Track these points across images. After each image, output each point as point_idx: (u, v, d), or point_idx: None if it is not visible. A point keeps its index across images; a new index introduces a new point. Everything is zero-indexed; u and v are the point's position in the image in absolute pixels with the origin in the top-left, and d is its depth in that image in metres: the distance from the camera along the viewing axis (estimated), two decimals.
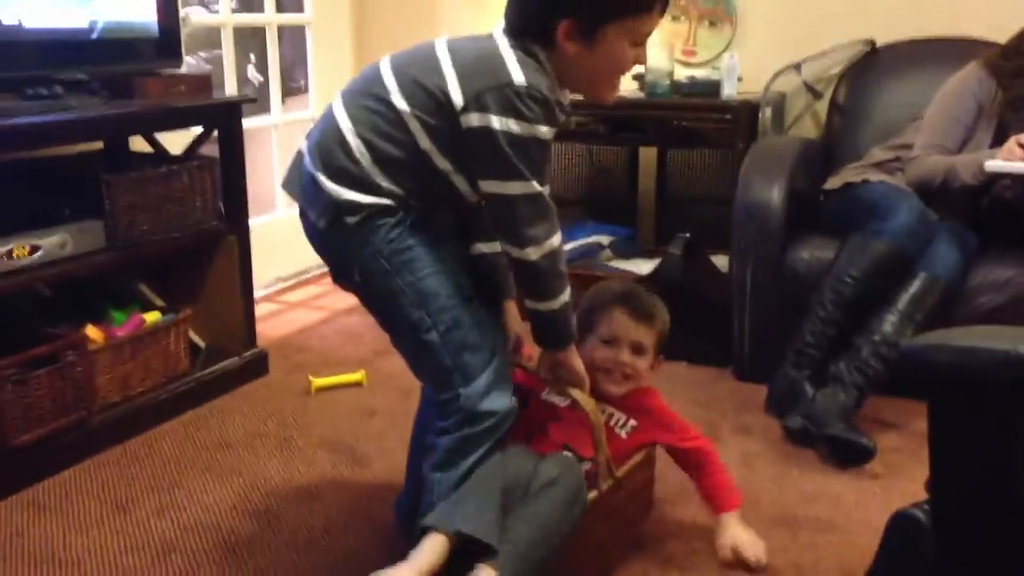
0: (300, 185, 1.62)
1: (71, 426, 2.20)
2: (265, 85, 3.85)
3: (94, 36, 2.35)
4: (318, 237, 1.61)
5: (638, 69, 3.13)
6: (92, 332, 2.30)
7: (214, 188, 2.55)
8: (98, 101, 2.29)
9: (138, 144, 2.71)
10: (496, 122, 1.48)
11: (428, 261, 1.56)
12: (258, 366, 2.74)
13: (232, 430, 2.41)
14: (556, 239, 1.57)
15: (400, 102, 1.53)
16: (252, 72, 4.35)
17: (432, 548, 1.52)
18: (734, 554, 1.79)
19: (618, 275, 3.06)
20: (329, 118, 1.59)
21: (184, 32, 2.60)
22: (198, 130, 2.68)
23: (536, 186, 1.52)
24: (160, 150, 2.69)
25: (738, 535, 1.80)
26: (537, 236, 1.54)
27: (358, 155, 1.53)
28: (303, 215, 1.63)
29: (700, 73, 3.25)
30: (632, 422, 1.84)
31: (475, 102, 1.49)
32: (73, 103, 2.22)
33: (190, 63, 2.65)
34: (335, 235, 1.56)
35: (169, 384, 2.48)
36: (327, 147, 1.56)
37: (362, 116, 1.55)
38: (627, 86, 3.20)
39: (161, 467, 2.22)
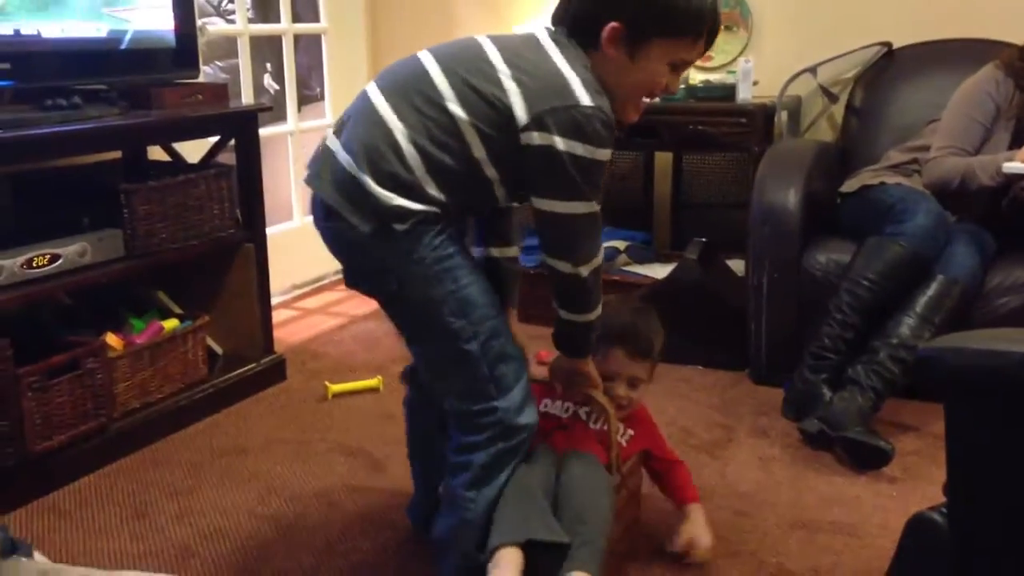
0: (335, 185, 1.52)
1: (91, 433, 2.22)
2: (281, 93, 3.87)
3: (112, 47, 2.37)
4: (355, 241, 1.51)
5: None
6: (111, 340, 2.32)
7: (231, 196, 2.57)
8: (116, 111, 2.31)
9: (156, 153, 2.73)
10: (561, 143, 1.45)
11: (468, 270, 1.54)
12: (275, 372, 2.76)
13: (250, 436, 2.43)
14: (602, 254, 1.59)
15: (457, 109, 1.48)
16: (268, 81, 4.38)
17: (512, 562, 1.50)
18: (688, 545, 1.80)
19: (636, 280, 3.06)
20: (372, 116, 1.51)
21: (201, 42, 2.63)
22: (215, 139, 2.70)
23: (595, 206, 1.52)
24: (178, 159, 2.71)
25: (701, 530, 1.81)
26: (590, 253, 1.55)
27: (411, 161, 1.47)
28: (333, 217, 1.53)
29: (715, 77, 3.25)
30: (630, 431, 1.88)
31: (539, 121, 1.45)
32: (92, 113, 2.24)
33: (207, 72, 2.67)
34: (378, 241, 1.49)
35: (187, 391, 2.50)
36: (376, 149, 1.48)
37: (415, 120, 1.48)
38: None
39: (180, 473, 2.23)
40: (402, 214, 1.47)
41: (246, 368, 2.67)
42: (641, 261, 3.24)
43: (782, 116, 3.11)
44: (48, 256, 2.14)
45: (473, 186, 1.53)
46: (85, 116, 2.21)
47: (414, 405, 1.90)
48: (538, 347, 2.55)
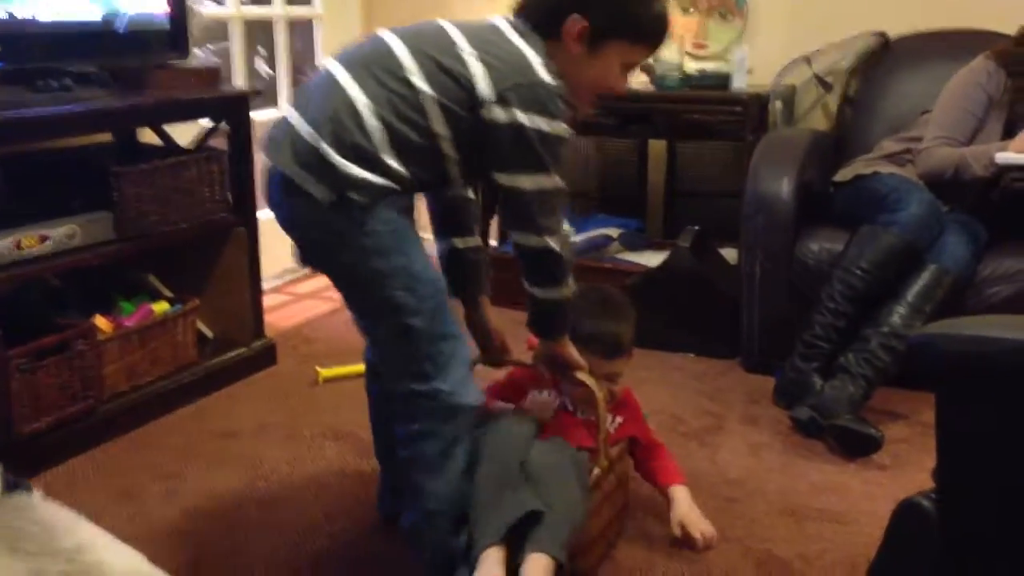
0: (296, 157, 1.51)
1: (79, 415, 2.21)
2: (274, 78, 3.85)
3: (104, 29, 2.36)
4: (313, 212, 1.51)
5: (648, 61, 3.14)
6: (101, 322, 2.31)
7: (223, 180, 2.55)
8: (107, 93, 2.30)
9: (147, 136, 2.72)
10: (525, 118, 1.49)
11: (417, 246, 1.56)
12: (266, 357, 2.75)
13: (239, 420, 2.42)
14: (567, 226, 1.61)
15: (421, 83, 1.50)
16: (261, 65, 4.36)
17: (494, 559, 1.51)
18: (682, 530, 1.82)
19: (629, 267, 3.05)
20: (335, 89, 1.52)
21: (192, 25, 2.61)
22: (207, 122, 2.68)
23: (558, 179, 1.55)
24: (169, 142, 2.69)
25: (687, 513, 1.83)
26: (554, 226, 1.56)
27: (373, 133, 1.49)
28: (293, 191, 1.52)
29: (710, 66, 3.24)
30: (619, 419, 1.89)
31: (503, 98, 1.49)
32: (83, 95, 2.22)
33: (199, 56, 2.65)
34: (336, 212, 1.50)
35: (177, 374, 2.49)
36: (339, 121, 1.49)
37: (378, 92, 1.50)
38: (637, 79, 3.19)
39: (168, 455, 2.22)
40: (361, 186, 1.49)
41: (236, 352, 2.66)
42: (634, 249, 3.24)
43: (776, 105, 3.10)
44: (37, 237, 2.12)
45: (431, 162, 1.55)
46: (76, 98, 2.20)
47: (378, 399, 1.89)
48: (527, 332, 2.55)
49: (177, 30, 2.52)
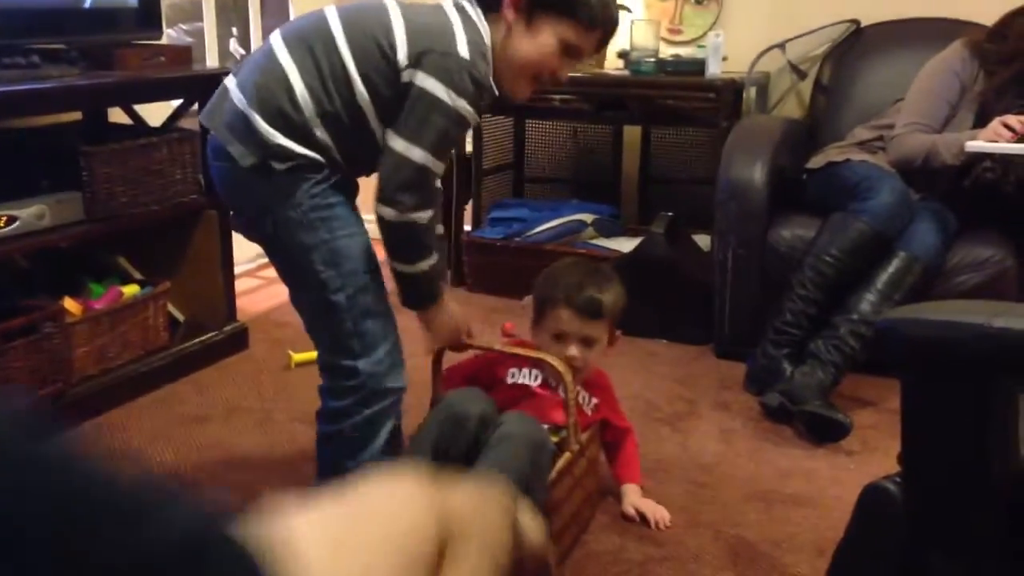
0: (224, 121, 1.56)
1: (48, 398, 2.19)
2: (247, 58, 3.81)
3: (73, 5, 2.32)
4: (238, 176, 1.55)
5: (623, 46, 3.14)
6: (70, 304, 2.29)
7: (195, 161, 2.53)
8: (76, 71, 2.26)
9: (117, 116, 2.68)
10: (426, 81, 1.50)
11: (346, 222, 1.57)
12: (238, 340, 2.73)
13: (211, 404, 2.40)
14: (422, 215, 1.54)
15: (347, 54, 1.53)
16: (234, 45, 4.31)
17: None
18: (637, 513, 1.88)
19: (602, 253, 3.06)
20: (270, 59, 1.55)
21: (164, 3, 2.57)
22: (178, 102, 2.65)
23: (429, 159, 1.52)
24: (140, 122, 2.66)
25: (639, 501, 1.90)
26: (404, 202, 1.52)
27: (301, 103, 1.52)
28: (220, 154, 1.57)
29: (685, 51, 3.24)
30: (595, 400, 1.89)
31: (415, 60, 1.50)
32: (51, 72, 2.19)
33: (171, 35, 2.62)
34: (258, 178, 1.53)
35: (148, 357, 2.47)
36: (269, 89, 1.53)
37: (308, 64, 1.53)
38: (612, 63, 3.19)
39: (138, 441, 2.21)
40: (282, 154, 1.51)
41: (208, 336, 2.64)
42: (608, 235, 3.24)
43: (751, 92, 3.11)
44: (5, 218, 2.09)
45: (358, 136, 1.56)
46: (44, 75, 2.17)
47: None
48: (501, 318, 2.55)
49: (148, 8, 2.49)
